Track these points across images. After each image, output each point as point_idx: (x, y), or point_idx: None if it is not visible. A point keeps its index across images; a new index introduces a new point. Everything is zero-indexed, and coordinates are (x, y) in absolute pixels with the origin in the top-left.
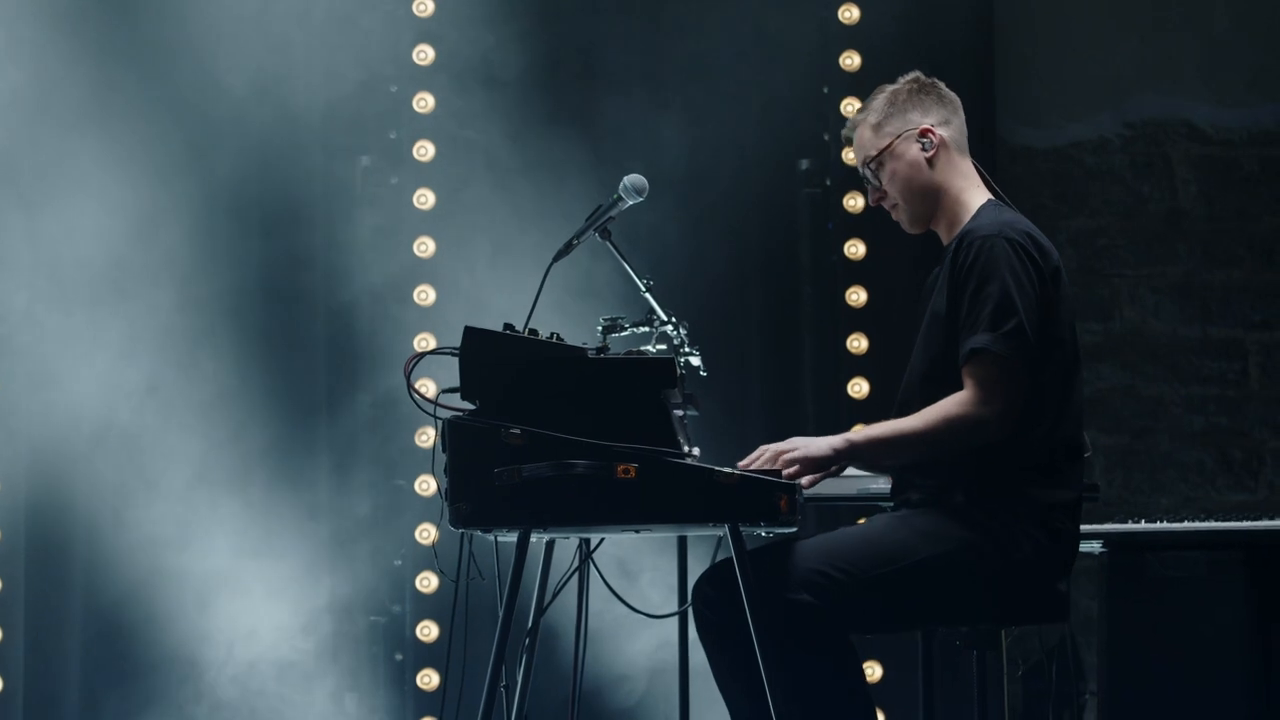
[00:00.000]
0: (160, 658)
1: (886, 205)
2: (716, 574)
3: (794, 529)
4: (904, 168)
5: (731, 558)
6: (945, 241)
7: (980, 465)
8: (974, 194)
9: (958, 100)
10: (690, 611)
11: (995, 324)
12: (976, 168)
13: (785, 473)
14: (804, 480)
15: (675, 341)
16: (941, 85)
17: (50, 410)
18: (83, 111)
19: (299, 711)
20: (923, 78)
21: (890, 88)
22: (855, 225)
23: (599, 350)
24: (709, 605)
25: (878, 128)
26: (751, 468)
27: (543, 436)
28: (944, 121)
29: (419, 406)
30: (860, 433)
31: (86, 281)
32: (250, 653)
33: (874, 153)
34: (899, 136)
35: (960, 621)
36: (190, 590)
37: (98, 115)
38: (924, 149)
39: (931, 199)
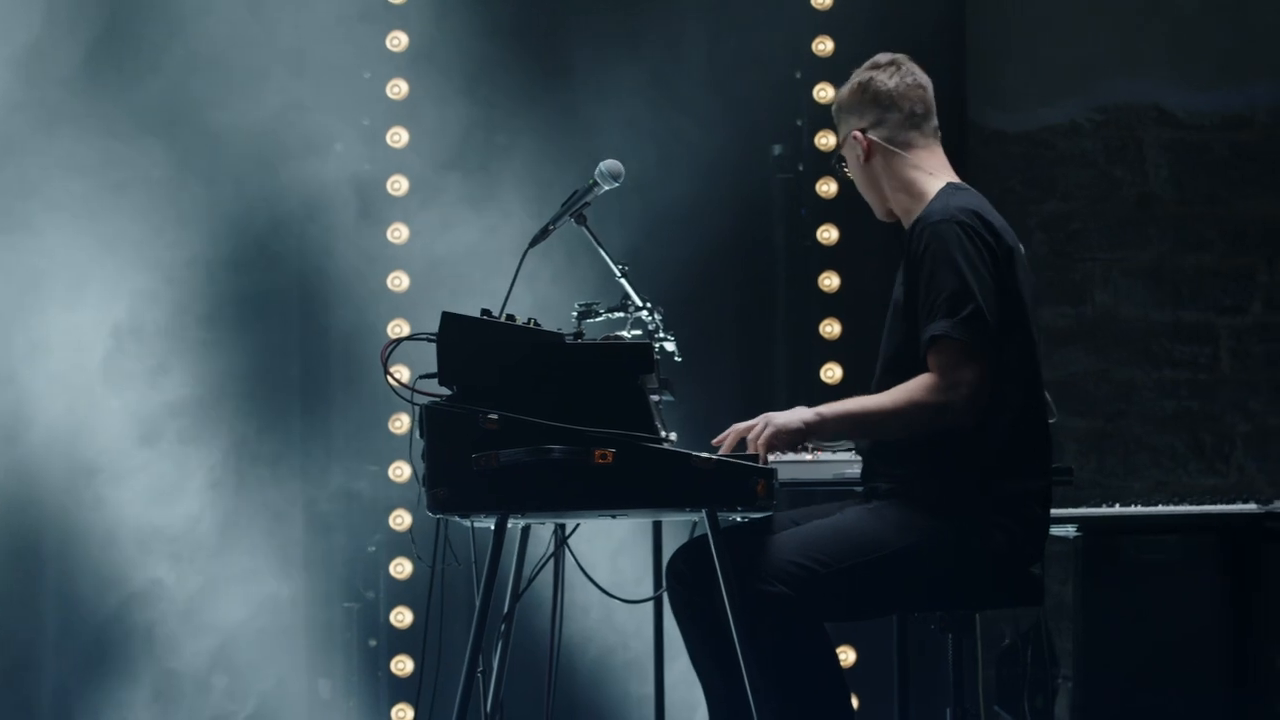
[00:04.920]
0: (133, 642)
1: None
2: (690, 552)
3: (769, 513)
4: (851, 167)
5: (703, 535)
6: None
7: (948, 454)
8: (927, 181)
9: (895, 89)
10: (665, 592)
11: (953, 310)
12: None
13: (759, 442)
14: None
15: (650, 327)
16: (877, 80)
17: (16, 396)
18: (58, 98)
19: (272, 697)
20: (861, 76)
21: (846, 85)
22: (828, 210)
23: (575, 336)
24: (683, 583)
25: (836, 130)
26: (723, 449)
27: (520, 422)
28: (875, 123)
29: (396, 393)
30: (830, 407)
31: (55, 271)
32: (223, 637)
33: (836, 148)
34: (845, 140)
35: (934, 608)
36: (163, 575)
37: (74, 102)
38: (858, 155)
39: (878, 194)
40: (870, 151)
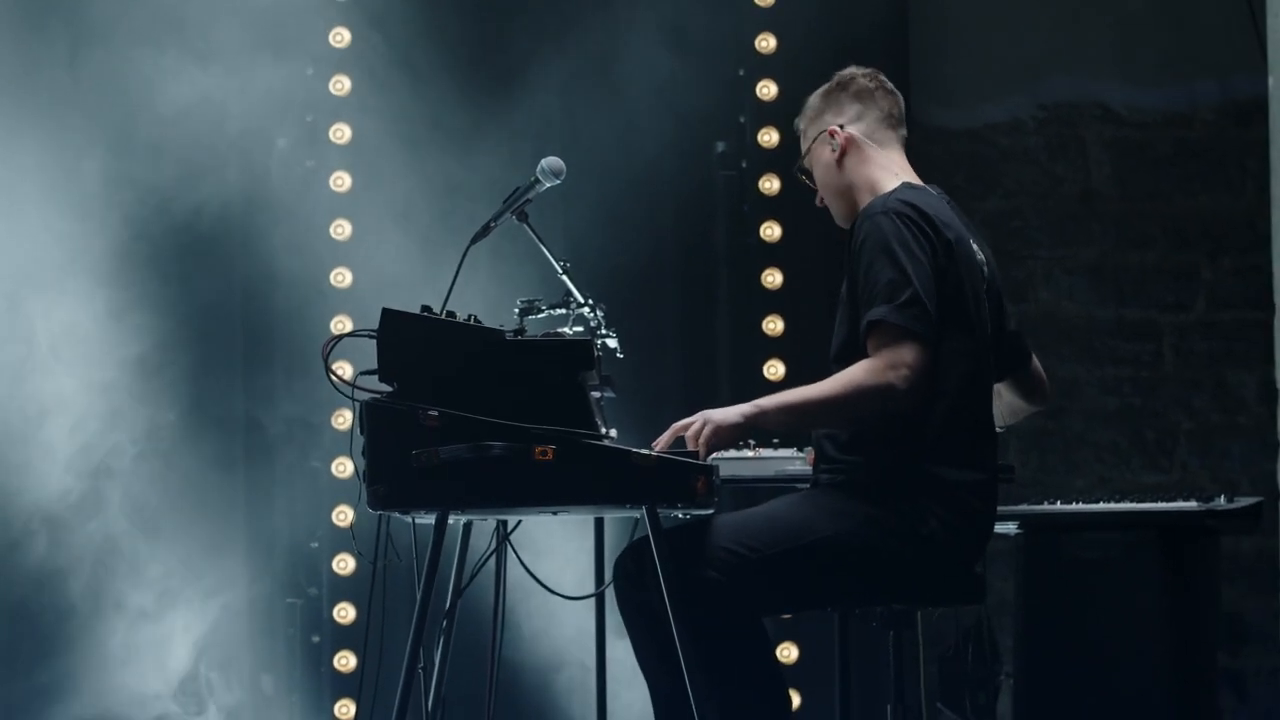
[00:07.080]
0: (73, 639)
1: (822, 205)
2: (638, 550)
3: (711, 510)
4: (820, 170)
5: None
6: None
7: (888, 443)
8: (890, 181)
9: (877, 89)
10: (608, 591)
11: (891, 296)
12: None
13: (700, 441)
14: (717, 453)
15: (592, 324)
16: (861, 77)
17: None
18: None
19: (215, 693)
20: (844, 74)
21: (818, 90)
22: (771, 207)
23: (516, 332)
24: (630, 581)
25: (804, 133)
26: (659, 445)
27: (460, 418)
28: (856, 118)
29: (336, 389)
30: (769, 399)
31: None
32: (165, 634)
33: (802, 157)
34: (815, 139)
35: (870, 601)
36: (103, 572)
37: (17, 91)
38: (833, 150)
39: (847, 197)
40: (846, 148)
